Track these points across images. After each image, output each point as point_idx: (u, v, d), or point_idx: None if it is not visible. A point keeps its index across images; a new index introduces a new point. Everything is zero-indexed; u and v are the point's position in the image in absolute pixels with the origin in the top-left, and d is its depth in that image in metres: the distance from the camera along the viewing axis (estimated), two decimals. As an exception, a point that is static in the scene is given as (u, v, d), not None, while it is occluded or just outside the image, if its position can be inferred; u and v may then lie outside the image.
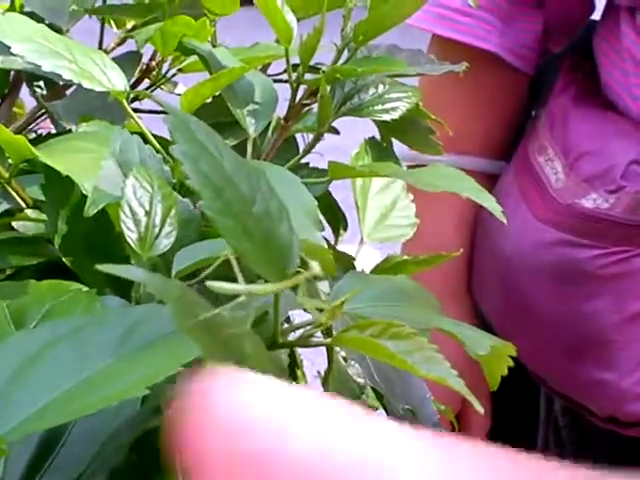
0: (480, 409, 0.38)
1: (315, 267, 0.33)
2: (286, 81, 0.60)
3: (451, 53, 0.89)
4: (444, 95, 0.93)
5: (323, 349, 0.49)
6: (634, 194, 0.82)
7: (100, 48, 0.68)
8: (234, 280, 0.35)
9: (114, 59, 0.59)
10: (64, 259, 0.51)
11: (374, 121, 0.62)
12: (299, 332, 0.41)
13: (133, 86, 0.66)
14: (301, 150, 0.61)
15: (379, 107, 0.59)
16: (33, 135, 0.69)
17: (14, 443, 0.32)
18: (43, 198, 0.53)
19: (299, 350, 0.73)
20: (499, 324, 0.93)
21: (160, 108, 0.60)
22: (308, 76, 0.58)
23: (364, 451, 0.17)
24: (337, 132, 0.63)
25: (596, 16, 0.94)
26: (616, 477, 0.17)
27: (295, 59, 0.57)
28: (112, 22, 0.73)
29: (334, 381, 0.53)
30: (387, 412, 0.58)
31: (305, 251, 0.37)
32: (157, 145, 0.54)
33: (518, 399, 1.02)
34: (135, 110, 0.62)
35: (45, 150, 0.53)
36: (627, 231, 0.83)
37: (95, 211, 0.48)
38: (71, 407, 0.33)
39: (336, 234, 0.70)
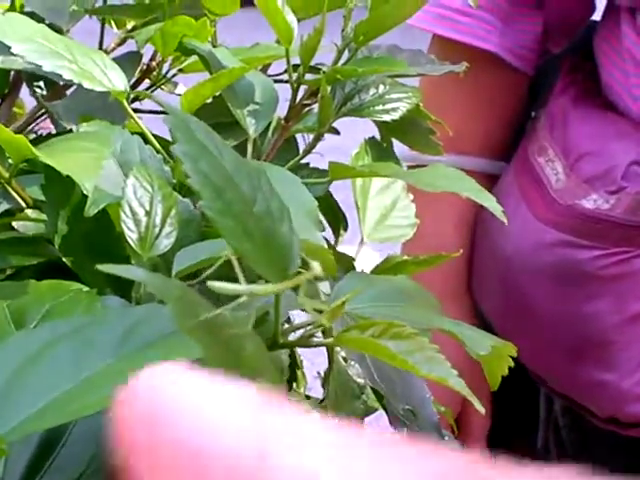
0: (481, 409, 0.38)
1: (316, 267, 0.33)
2: (286, 81, 0.60)
3: (451, 53, 0.89)
4: (444, 95, 0.93)
5: (323, 349, 0.49)
6: (634, 195, 0.82)
7: (100, 48, 0.68)
8: (235, 280, 0.35)
9: (114, 59, 0.59)
10: (64, 259, 0.51)
11: (374, 121, 0.62)
12: (299, 332, 0.41)
13: (133, 86, 0.66)
14: (301, 150, 0.61)
15: (379, 107, 0.59)
16: (33, 135, 0.69)
17: (14, 443, 0.32)
18: (43, 198, 0.53)
19: (299, 350, 0.73)
20: (499, 324, 0.93)
21: (160, 108, 0.60)
22: (308, 76, 0.58)
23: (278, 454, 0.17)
24: (337, 132, 0.63)
25: (596, 17, 0.94)
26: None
27: (295, 59, 0.57)
28: (112, 22, 0.73)
29: (334, 381, 0.52)
30: (387, 412, 0.58)
31: (306, 251, 0.37)
32: (157, 145, 0.54)
33: (518, 399, 1.02)
34: (135, 110, 0.61)
35: (45, 150, 0.53)
36: (627, 232, 0.83)
37: (95, 211, 0.48)
38: (71, 407, 0.33)
39: (336, 234, 0.69)
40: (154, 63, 0.68)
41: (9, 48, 0.53)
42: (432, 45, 0.96)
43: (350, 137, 0.87)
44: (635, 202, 0.82)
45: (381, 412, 0.61)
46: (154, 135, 0.56)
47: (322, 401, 0.80)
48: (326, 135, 0.60)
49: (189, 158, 0.35)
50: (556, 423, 0.99)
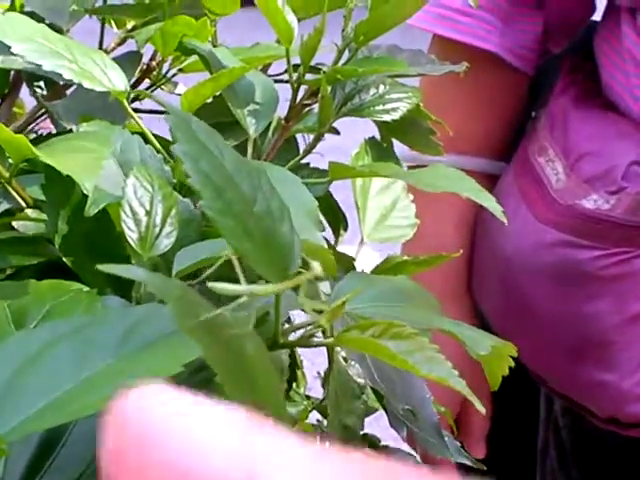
0: (481, 409, 0.38)
1: (316, 267, 0.33)
2: (287, 81, 0.60)
3: (452, 53, 0.89)
4: (444, 95, 0.93)
5: (323, 350, 0.49)
6: (635, 195, 0.82)
7: (100, 48, 0.68)
8: (235, 280, 0.35)
9: (114, 59, 0.59)
10: (64, 259, 0.51)
11: (374, 121, 0.62)
12: (300, 332, 0.41)
13: (133, 86, 0.66)
14: (301, 150, 0.61)
15: (380, 107, 0.59)
16: (33, 135, 0.69)
17: (14, 443, 0.32)
18: (43, 198, 0.53)
19: (299, 350, 0.73)
20: (499, 324, 0.93)
21: (160, 108, 0.60)
22: (309, 76, 0.58)
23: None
24: (337, 132, 0.63)
25: (597, 17, 0.94)
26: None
27: (296, 59, 0.57)
28: (112, 22, 0.73)
29: (334, 381, 0.52)
30: (387, 412, 0.58)
31: (306, 251, 0.37)
32: (158, 145, 0.54)
33: (518, 399, 1.02)
34: (135, 110, 0.61)
35: (46, 150, 0.53)
36: (628, 232, 0.83)
37: (96, 211, 0.48)
38: (71, 407, 0.33)
39: (336, 234, 0.69)
40: (154, 63, 0.68)
41: (9, 48, 0.53)
42: (432, 45, 0.96)
43: (350, 137, 0.87)
44: (635, 202, 0.82)
45: (381, 412, 0.61)
46: (154, 135, 0.56)
47: (322, 401, 0.80)
48: (326, 135, 0.60)
49: (190, 158, 0.35)
50: (556, 423, 0.99)
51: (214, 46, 0.66)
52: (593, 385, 0.87)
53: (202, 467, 0.17)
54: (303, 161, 0.61)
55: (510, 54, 0.93)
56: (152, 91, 0.68)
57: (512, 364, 0.47)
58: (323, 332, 0.41)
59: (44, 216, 0.54)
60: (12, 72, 0.68)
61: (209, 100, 0.58)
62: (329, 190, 0.64)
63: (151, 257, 0.46)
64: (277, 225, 0.37)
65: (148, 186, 0.47)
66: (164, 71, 0.69)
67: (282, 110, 0.59)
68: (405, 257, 0.59)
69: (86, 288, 0.47)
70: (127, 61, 0.63)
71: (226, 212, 0.35)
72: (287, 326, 0.42)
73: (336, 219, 0.69)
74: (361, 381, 0.54)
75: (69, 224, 0.51)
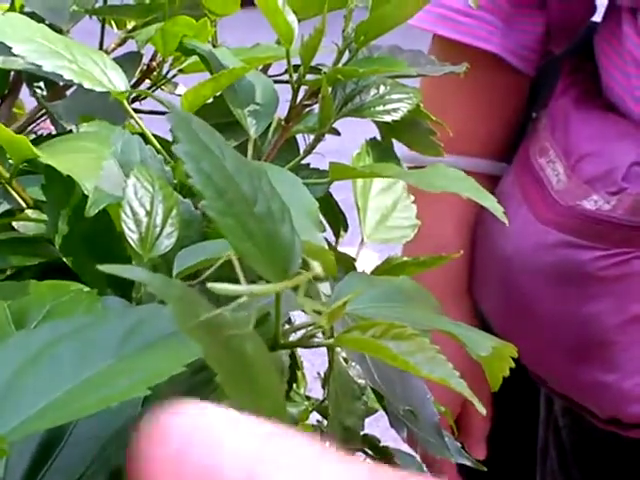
0: (482, 410, 0.38)
1: (316, 267, 0.33)
2: (287, 82, 0.60)
3: (452, 54, 0.89)
4: (445, 96, 0.93)
5: (322, 351, 0.49)
6: (635, 196, 0.82)
7: (101, 49, 0.68)
8: (235, 281, 0.35)
9: (115, 60, 0.59)
10: (65, 259, 0.51)
11: (375, 122, 0.62)
12: (300, 333, 0.41)
13: (134, 87, 0.66)
14: (302, 151, 0.61)
15: (380, 108, 0.59)
16: (33, 136, 0.69)
17: (15, 443, 0.32)
18: (44, 198, 0.53)
19: (299, 351, 0.73)
20: (499, 325, 0.93)
21: (161, 109, 0.60)
22: (309, 77, 0.58)
23: None
24: (338, 133, 0.63)
25: (597, 18, 0.94)
26: None
27: (296, 60, 0.57)
28: (113, 23, 0.73)
29: (335, 382, 0.52)
30: (387, 413, 0.58)
31: (306, 252, 0.37)
32: (158, 145, 0.54)
33: (518, 400, 1.02)
34: (135, 111, 0.61)
35: (46, 150, 0.53)
36: (628, 233, 0.83)
37: (96, 211, 0.48)
38: (72, 408, 0.33)
39: (336, 235, 0.69)
40: (154, 63, 0.68)
41: (10, 48, 0.53)
42: (433, 46, 0.96)
43: (350, 139, 0.87)
44: (636, 203, 0.82)
45: (381, 413, 0.61)
46: (154, 135, 0.56)
47: (322, 402, 0.80)
48: (327, 136, 0.60)
49: (191, 158, 0.35)
50: (556, 424, 0.99)
51: (214, 46, 0.66)
52: (594, 385, 0.87)
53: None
54: (303, 162, 0.61)
55: (511, 55, 0.93)
56: (152, 92, 0.68)
57: (512, 365, 0.47)
58: (323, 333, 0.41)
59: (44, 216, 0.54)
60: (12, 73, 0.68)
61: (209, 100, 0.58)
62: (329, 191, 0.64)
63: (151, 258, 0.46)
64: (278, 225, 0.37)
65: (149, 186, 0.47)
66: (164, 72, 0.69)
67: (282, 110, 0.59)
68: (405, 258, 0.59)
69: (86, 288, 0.47)
70: (127, 61, 0.63)
71: (227, 212, 0.35)
72: (287, 327, 0.42)
73: (336, 220, 0.69)
74: (361, 382, 0.54)
75: (69, 224, 0.51)
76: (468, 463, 0.65)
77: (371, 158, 0.62)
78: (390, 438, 0.67)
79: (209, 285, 0.33)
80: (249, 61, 0.61)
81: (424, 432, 0.58)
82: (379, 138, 0.65)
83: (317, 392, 0.84)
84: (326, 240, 0.54)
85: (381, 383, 0.53)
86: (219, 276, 0.37)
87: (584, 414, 0.91)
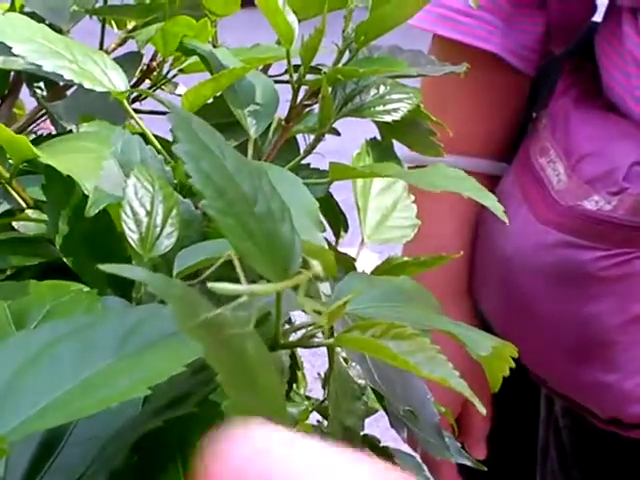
0: (482, 410, 0.38)
1: (316, 266, 0.33)
2: (287, 82, 0.60)
3: (452, 54, 0.89)
4: (445, 96, 0.93)
5: (323, 352, 0.49)
6: (636, 196, 0.82)
7: (101, 49, 0.68)
8: (236, 281, 0.35)
9: (115, 60, 0.59)
10: (65, 259, 0.51)
11: (375, 122, 0.62)
12: (300, 333, 0.41)
13: (134, 87, 0.66)
14: (302, 151, 0.61)
15: (380, 108, 0.59)
16: (33, 136, 0.69)
17: (15, 443, 0.32)
18: (44, 198, 0.53)
19: (299, 352, 0.73)
20: (500, 325, 0.93)
21: (161, 109, 0.60)
22: (309, 77, 0.58)
23: None
24: (338, 133, 0.63)
25: (597, 18, 0.94)
26: None
27: (296, 60, 0.57)
28: (113, 23, 0.73)
29: (335, 382, 0.52)
30: (388, 413, 0.58)
31: (306, 252, 0.37)
32: (158, 145, 0.54)
33: (518, 400, 1.02)
34: (136, 111, 0.61)
35: (46, 150, 0.53)
36: (629, 233, 0.83)
37: (96, 211, 0.48)
38: (72, 407, 0.33)
39: (337, 235, 0.69)
40: (154, 63, 0.68)
41: (10, 48, 0.53)
42: (433, 46, 0.96)
43: (350, 139, 0.87)
44: (637, 203, 0.82)
45: (381, 413, 0.61)
46: (155, 135, 0.56)
47: (322, 402, 0.80)
48: (327, 136, 0.60)
49: (191, 158, 0.35)
50: (556, 424, 0.99)
51: (214, 47, 0.66)
52: (595, 386, 0.87)
53: None
54: (304, 162, 0.61)
55: (511, 55, 0.93)
56: (153, 92, 0.68)
57: (513, 365, 0.47)
58: (323, 333, 0.41)
59: (44, 217, 0.54)
60: (12, 73, 0.68)
61: (210, 101, 0.58)
62: (330, 191, 0.64)
63: (152, 257, 0.46)
64: (278, 225, 0.37)
65: (149, 186, 0.47)
66: (165, 72, 0.69)
67: (282, 111, 0.59)
68: (405, 258, 0.59)
69: (86, 288, 0.47)
70: (127, 61, 0.63)
71: (227, 212, 0.35)
72: (287, 327, 0.42)
73: (336, 220, 0.69)
74: (361, 382, 0.54)
75: (69, 224, 0.51)
76: (468, 463, 0.65)
77: (371, 158, 0.62)
78: (390, 438, 0.67)
79: (209, 285, 0.33)
80: (249, 61, 0.61)
81: (424, 432, 0.58)
82: (379, 138, 0.65)
83: (317, 392, 0.84)
84: (326, 240, 0.54)
85: (381, 383, 0.53)
86: (219, 276, 0.37)
87: (585, 414, 0.91)
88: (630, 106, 0.86)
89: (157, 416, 0.36)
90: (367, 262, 0.60)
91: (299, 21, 0.58)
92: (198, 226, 0.49)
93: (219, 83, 0.56)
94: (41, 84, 0.70)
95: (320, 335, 0.40)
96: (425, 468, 0.75)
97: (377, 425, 0.75)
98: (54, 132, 0.66)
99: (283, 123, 0.59)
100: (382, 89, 0.59)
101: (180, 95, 0.57)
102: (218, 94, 0.57)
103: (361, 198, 0.63)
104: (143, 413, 0.37)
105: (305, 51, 0.56)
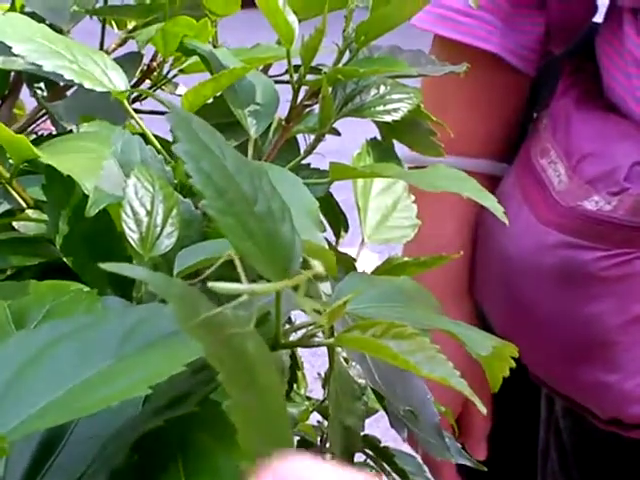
0: (483, 409, 0.38)
1: (317, 266, 0.33)
2: (287, 82, 0.60)
3: (452, 54, 0.89)
4: (445, 96, 0.93)
5: (323, 352, 0.49)
6: (637, 196, 0.82)
7: (101, 49, 0.68)
8: (236, 280, 0.35)
9: (115, 60, 0.59)
10: (65, 259, 0.51)
11: (375, 122, 0.62)
12: (300, 332, 0.41)
13: (134, 87, 0.66)
14: (302, 151, 0.61)
15: (381, 108, 0.59)
16: (33, 136, 0.69)
17: (15, 443, 0.32)
18: (44, 198, 0.53)
19: (299, 352, 0.73)
20: (500, 325, 0.93)
21: (161, 109, 0.60)
22: (310, 77, 0.58)
23: None
24: (338, 133, 0.63)
25: (598, 18, 0.94)
26: None
27: (296, 60, 0.57)
28: (113, 23, 0.73)
29: (335, 382, 0.52)
30: (388, 413, 0.58)
31: (307, 251, 0.37)
32: (158, 145, 0.54)
33: (519, 400, 1.02)
34: (136, 111, 0.61)
35: (46, 150, 0.53)
36: (630, 233, 0.83)
37: (96, 211, 0.48)
38: (72, 407, 0.33)
39: (337, 235, 0.69)
40: (155, 63, 0.68)
41: (10, 48, 0.53)
42: (433, 46, 0.96)
43: (351, 139, 0.87)
44: (637, 203, 0.82)
45: (382, 413, 0.61)
46: (155, 135, 0.56)
47: (322, 402, 0.80)
48: (327, 137, 0.60)
49: (191, 158, 0.35)
50: (557, 425, 0.99)
51: (215, 47, 0.66)
52: (595, 386, 0.87)
53: None
54: (304, 162, 0.61)
55: (511, 55, 0.93)
56: (153, 92, 0.68)
57: (513, 365, 0.47)
58: (324, 332, 0.41)
59: (45, 216, 0.54)
60: (12, 73, 0.68)
61: (210, 101, 0.58)
62: (330, 191, 0.64)
63: (152, 257, 0.46)
64: (278, 225, 0.37)
65: (149, 186, 0.47)
66: (165, 72, 0.69)
67: (283, 111, 0.59)
68: (406, 258, 0.59)
69: (86, 288, 0.47)
70: (128, 62, 0.63)
71: (227, 212, 0.35)
72: (288, 326, 0.42)
73: (337, 220, 0.69)
74: (362, 382, 0.54)
75: (70, 224, 0.51)
76: (468, 463, 0.65)
77: (371, 158, 0.62)
78: (390, 438, 0.67)
79: (210, 284, 0.33)
80: (249, 61, 0.61)
81: (424, 433, 0.58)
82: (379, 138, 0.65)
83: (317, 393, 0.84)
84: (326, 240, 0.54)
85: (381, 383, 0.53)
86: (220, 275, 0.37)
87: (585, 415, 0.91)
88: (631, 106, 0.86)
89: (157, 415, 0.36)
90: (367, 262, 0.60)
91: (299, 21, 0.58)
92: (198, 226, 0.49)
93: (219, 83, 0.56)
94: (41, 84, 0.70)
95: (320, 335, 0.40)
96: (426, 469, 0.75)
97: (377, 425, 0.75)
98: (54, 132, 0.66)
99: (283, 123, 0.59)
100: (382, 89, 0.59)
101: (180, 95, 0.57)
102: (218, 94, 0.57)
103: (361, 198, 0.63)
104: (143, 412, 0.37)
105: (305, 51, 0.56)
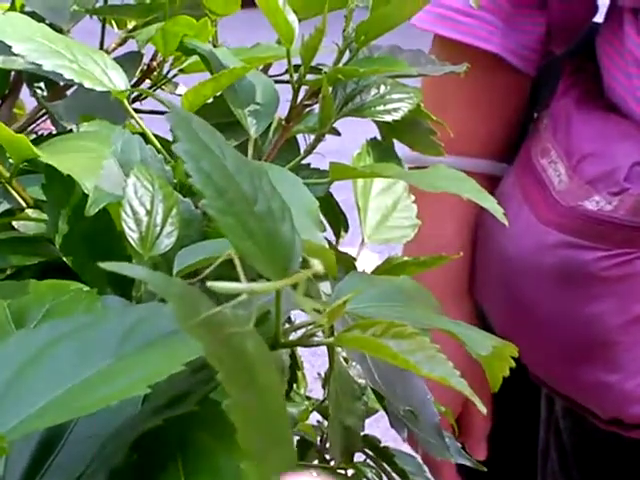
0: (483, 409, 0.37)
1: (316, 265, 0.33)
2: (287, 82, 0.60)
3: (453, 53, 0.89)
4: (445, 96, 0.93)
5: (323, 352, 0.49)
6: (637, 196, 0.82)
7: (101, 48, 0.68)
8: (235, 280, 0.35)
9: (115, 59, 0.59)
10: (65, 259, 0.51)
11: (375, 122, 0.62)
12: (300, 332, 0.41)
13: (134, 86, 0.66)
14: (302, 151, 0.61)
15: (381, 108, 0.59)
16: (33, 136, 0.69)
17: (15, 442, 0.32)
18: (44, 198, 0.53)
19: (299, 352, 0.73)
20: (500, 325, 0.93)
21: (161, 108, 0.60)
22: (310, 77, 0.58)
23: None
24: (338, 133, 0.63)
25: (598, 18, 0.94)
26: None
27: (297, 60, 0.57)
28: (113, 22, 0.73)
29: (335, 382, 0.52)
30: (388, 413, 0.58)
31: (307, 251, 0.37)
32: (158, 145, 0.54)
33: (519, 400, 1.02)
34: (136, 110, 0.61)
35: (46, 150, 0.53)
36: (630, 233, 0.82)
37: (96, 210, 0.48)
38: (72, 406, 0.33)
39: (337, 235, 0.69)
40: (155, 63, 0.68)
41: (10, 48, 0.53)
42: (434, 45, 0.96)
43: (351, 139, 0.87)
44: (637, 203, 0.82)
45: (382, 413, 0.61)
46: (155, 135, 0.56)
47: (322, 402, 0.80)
48: (327, 137, 0.60)
49: (191, 157, 0.35)
50: (557, 426, 0.99)
51: (215, 46, 0.66)
52: (596, 386, 0.87)
53: None
54: (304, 161, 0.61)
55: (512, 55, 0.93)
56: (153, 91, 0.68)
57: (513, 365, 0.47)
58: (324, 332, 0.41)
59: (44, 216, 0.54)
60: (12, 73, 0.68)
61: (210, 100, 0.58)
62: (330, 191, 0.64)
63: (152, 257, 0.46)
64: (278, 224, 0.37)
65: (149, 186, 0.47)
66: (165, 71, 0.69)
67: (283, 110, 0.59)
68: (405, 258, 0.59)
69: (86, 288, 0.47)
70: (128, 61, 0.63)
71: (227, 211, 0.35)
72: (288, 326, 0.42)
73: (337, 220, 0.69)
74: (362, 382, 0.54)
75: (69, 224, 0.51)
76: (468, 464, 0.65)
77: (372, 158, 0.62)
78: (390, 438, 0.67)
79: (208, 284, 0.33)
80: (249, 61, 0.61)
81: (424, 433, 0.58)
82: (380, 138, 0.65)
83: (317, 393, 0.84)
84: (326, 240, 0.54)
85: (381, 383, 0.53)
86: (219, 275, 0.37)
87: (586, 415, 0.91)
88: (631, 107, 0.86)
89: (157, 415, 0.36)
90: (367, 262, 0.60)
91: (299, 21, 0.58)
92: (198, 225, 0.49)
93: (219, 83, 0.56)
94: (41, 84, 0.70)
95: (320, 334, 0.40)
96: (426, 469, 0.75)
97: (377, 425, 0.75)
98: (54, 132, 0.66)
99: (283, 123, 0.59)
100: (382, 89, 0.59)
101: (180, 95, 0.57)
102: (218, 94, 0.57)
103: (361, 198, 0.63)
104: (143, 412, 0.37)
105: (305, 51, 0.56)
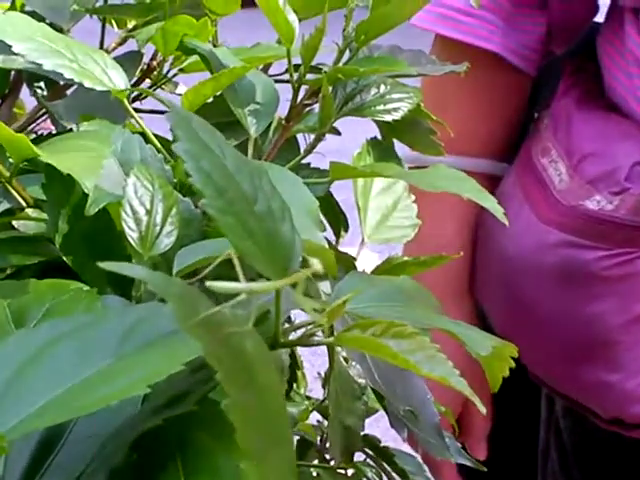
0: (482, 409, 0.37)
1: (316, 264, 0.33)
2: (287, 81, 0.60)
3: (453, 53, 0.89)
4: (445, 95, 0.93)
5: (323, 352, 0.49)
6: (638, 196, 0.82)
7: (101, 48, 0.68)
8: (235, 280, 0.35)
9: (115, 59, 0.59)
10: (65, 258, 0.51)
11: (375, 121, 0.62)
12: (300, 332, 0.41)
13: (134, 86, 0.66)
14: (302, 150, 0.61)
15: (381, 107, 0.59)
16: (33, 135, 0.69)
17: (15, 441, 0.32)
18: (44, 197, 0.53)
19: (298, 352, 0.73)
20: (500, 325, 0.93)
21: (161, 108, 0.60)
22: (310, 76, 0.58)
23: None
24: (338, 133, 0.63)
25: (599, 18, 0.94)
26: None
27: (297, 59, 0.57)
28: (113, 22, 0.73)
29: (335, 382, 0.52)
30: (388, 413, 0.58)
31: (307, 251, 0.37)
32: (158, 145, 0.54)
33: (519, 400, 1.02)
34: (136, 110, 0.61)
35: (46, 149, 0.53)
36: (631, 233, 0.82)
37: (96, 210, 0.48)
38: (71, 406, 0.33)
39: (337, 235, 0.69)
40: (155, 63, 0.68)
41: (10, 47, 0.53)
42: (434, 45, 0.96)
43: (351, 138, 0.87)
44: (638, 203, 0.82)
45: (382, 413, 0.61)
46: (155, 134, 0.56)
47: (322, 402, 0.80)
48: (327, 136, 0.60)
49: (191, 157, 0.35)
50: (557, 426, 0.99)
51: (215, 46, 0.66)
52: (597, 386, 0.87)
53: None
54: (304, 161, 0.61)
55: (512, 54, 0.93)
56: (153, 91, 0.68)
57: (513, 365, 0.47)
58: (323, 331, 0.41)
59: (44, 215, 0.54)
60: (12, 72, 0.68)
61: (210, 100, 0.58)
62: (330, 190, 0.64)
63: (151, 256, 0.46)
64: (278, 224, 0.37)
65: (148, 185, 0.47)
66: (165, 71, 0.69)
67: (283, 110, 0.59)
68: (406, 258, 0.59)
69: (86, 287, 0.47)
70: (128, 61, 0.63)
71: (227, 211, 0.35)
72: (287, 325, 0.42)
73: (337, 219, 0.69)
74: (362, 381, 0.54)
75: (69, 223, 0.51)
76: (468, 463, 0.65)
77: (372, 158, 0.62)
78: (390, 438, 0.67)
79: (207, 283, 0.33)
80: (249, 60, 0.61)
81: (424, 432, 0.58)
82: (380, 138, 0.65)
83: (317, 392, 0.84)
84: (326, 240, 0.54)
85: (381, 383, 0.53)
86: (218, 274, 0.37)
87: (586, 414, 0.91)
88: (632, 106, 0.86)
89: (156, 414, 0.36)
90: (367, 262, 0.60)
91: (299, 20, 0.58)
92: (198, 225, 0.49)
93: (219, 82, 0.56)
94: (41, 83, 0.70)
95: (320, 334, 0.40)
96: (426, 469, 0.75)
97: (377, 425, 0.75)
98: (54, 131, 0.66)
99: (283, 122, 0.59)
100: (382, 88, 0.59)
101: (180, 94, 0.57)
102: (218, 93, 0.57)
103: (361, 198, 0.63)
104: (142, 411, 0.37)
105: (305, 50, 0.56)
